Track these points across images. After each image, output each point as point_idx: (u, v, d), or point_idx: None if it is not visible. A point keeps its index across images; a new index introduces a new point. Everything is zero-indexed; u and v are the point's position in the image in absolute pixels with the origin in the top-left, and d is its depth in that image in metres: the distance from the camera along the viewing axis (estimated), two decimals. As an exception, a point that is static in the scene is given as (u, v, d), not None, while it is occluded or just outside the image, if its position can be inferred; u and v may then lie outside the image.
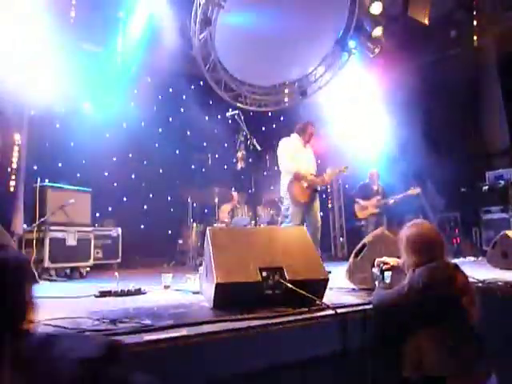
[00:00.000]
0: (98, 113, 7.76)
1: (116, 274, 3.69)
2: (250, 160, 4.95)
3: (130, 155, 8.21)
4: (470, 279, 2.50)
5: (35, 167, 6.60)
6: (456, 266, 2.30)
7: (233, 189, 7.66)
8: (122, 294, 3.28)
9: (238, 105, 7.69)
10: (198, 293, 3.18)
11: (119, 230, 7.24)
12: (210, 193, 7.30)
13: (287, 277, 2.45)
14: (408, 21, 7.02)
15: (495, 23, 7.78)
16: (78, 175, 7.24)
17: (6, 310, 1.08)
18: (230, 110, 5.17)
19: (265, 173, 8.70)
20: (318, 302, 2.37)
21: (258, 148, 4.95)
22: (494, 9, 7.82)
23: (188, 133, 8.82)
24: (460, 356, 2.10)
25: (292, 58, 7.69)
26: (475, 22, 7.89)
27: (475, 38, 7.93)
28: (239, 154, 5.00)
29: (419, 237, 2.35)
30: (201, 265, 4.01)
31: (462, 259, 6.55)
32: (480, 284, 3.08)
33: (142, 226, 8.06)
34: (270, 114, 8.85)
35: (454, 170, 8.91)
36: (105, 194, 7.04)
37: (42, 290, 3.96)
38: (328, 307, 2.32)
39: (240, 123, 4.97)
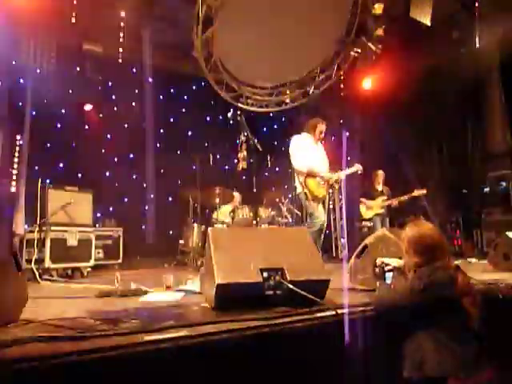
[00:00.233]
0: (100, 113, 7.78)
1: (117, 274, 3.68)
2: (251, 161, 4.93)
3: (131, 155, 8.22)
4: (471, 280, 2.50)
5: (36, 167, 6.62)
6: (457, 267, 2.30)
7: (234, 189, 7.65)
8: (123, 294, 3.28)
9: (240, 105, 7.70)
10: (198, 293, 3.18)
11: (120, 230, 7.25)
12: (211, 193, 7.29)
13: (288, 277, 2.45)
14: (410, 22, 7.01)
15: (497, 24, 7.77)
16: (79, 175, 7.25)
17: None
18: (232, 110, 5.17)
19: (266, 173, 8.70)
20: (318, 302, 2.37)
21: (260, 149, 4.94)
22: (495, 10, 7.80)
23: (189, 133, 8.83)
24: (460, 357, 2.10)
25: (294, 58, 7.68)
26: (477, 24, 7.88)
27: (477, 39, 7.91)
28: (240, 155, 4.99)
29: (421, 238, 2.35)
30: (202, 265, 4.01)
31: (463, 260, 6.53)
32: (481, 285, 3.08)
33: (143, 227, 8.07)
34: (271, 114, 8.85)
35: (455, 172, 8.92)
36: (106, 195, 7.05)
37: (42, 290, 3.97)
38: (329, 308, 2.31)
39: (241, 124, 4.97)
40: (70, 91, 7.37)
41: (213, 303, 2.45)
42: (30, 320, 2.10)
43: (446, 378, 2.07)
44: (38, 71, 6.53)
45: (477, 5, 7.80)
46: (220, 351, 1.86)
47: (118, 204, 7.80)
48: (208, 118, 8.94)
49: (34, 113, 6.68)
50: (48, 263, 4.96)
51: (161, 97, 8.66)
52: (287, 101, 8.59)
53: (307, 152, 5.33)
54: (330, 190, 5.64)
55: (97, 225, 6.85)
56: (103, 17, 6.89)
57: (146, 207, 8.27)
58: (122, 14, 7.00)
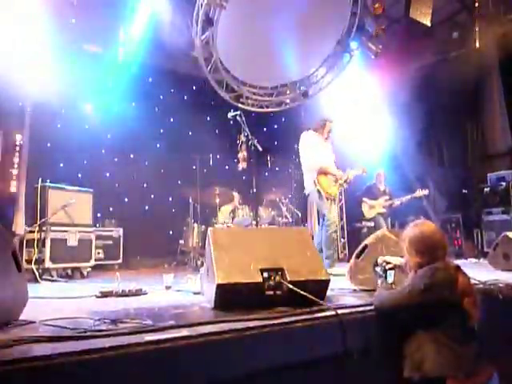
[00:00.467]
0: (100, 113, 7.78)
1: (117, 274, 3.69)
2: (252, 161, 4.94)
3: (132, 156, 8.22)
4: (472, 280, 2.49)
5: (36, 167, 6.61)
6: (458, 268, 2.29)
7: (234, 189, 7.65)
8: (123, 294, 3.28)
9: (240, 105, 7.69)
10: (198, 293, 3.18)
11: (120, 230, 7.25)
12: (212, 193, 7.30)
13: (288, 277, 2.45)
14: (410, 22, 7.02)
15: (497, 25, 7.78)
16: (80, 175, 7.25)
17: None
18: (232, 110, 5.17)
19: (266, 173, 8.70)
20: (319, 302, 2.37)
21: (260, 149, 4.94)
22: (495, 10, 7.81)
23: (189, 133, 8.83)
24: (460, 357, 2.10)
25: (294, 58, 7.68)
26: (477, 24, 7.88)
27: (477, 39, 7.92)
28: (240, 155, 5.00)
29: (422, 237, 2.35)
30: (202, 265, 4.01)
31: (463, 260, 6.54)
32: (481, 285, 3.08)
33: (143, 227, 8.07)
34: (271, 114, 8.85)
35: (455, 172, 8.92)
36: (106, 195, 7.05)
37: (43, 290, 3.97)
38: (329, 308, 2.31)
39: (241, 124, 4.97)
40: (70, 91, 7.36)
41: (213, 303, 2.45)
42: (29, 320, 2.10)
43: (445, 379, 2.07)
44: (39, 71, 6.53)
45: (477, 5, 7.81)
46: (220, 351, 1.86)
47: (118, 204, 7.80)
48: (208, 118, 8.94)
49: (33, 113, 6.67)
50: (48, 263, 4.96)
51: (161, 97, 8.66)
52: (287, 101, 8.59)
53: (318, 149, 5.24)
54: (341, 189, 5.55)
55: (97, 225, 6.85)
56: (103, 16, 6.90)
57: (146, 207, 8.27)
58: (122, 13, 7.02)
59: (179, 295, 3.33)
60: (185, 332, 1.85)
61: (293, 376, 2.08)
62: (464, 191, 8.40)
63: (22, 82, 6.44)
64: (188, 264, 7.02)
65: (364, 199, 7.51)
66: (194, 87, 8.93)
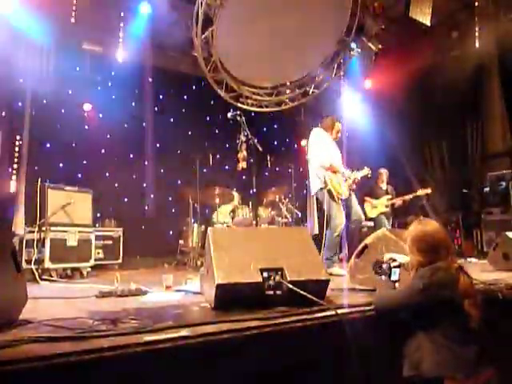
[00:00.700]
0: (100, 113, 7.78)
1: (117, 274, 3.68)
2: (251, 160, 4.93)
3: (131, 155, 8.21)
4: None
5: (36, 167, 6.61)
6: (460, 268, 2.25)
7: (234, 189, 7.65)
8: (123, 294, 3.28)
9: (240, 105, 7.69)
10: (198, 293, 3.18)
11: (120, 230, 7.24)
12: (211, 193, 7.29)
13: (288, 277, 2.45)
14: (409, 22, 7.01)
15: (497, 24, 7.78)
16: (79, 175, 7.25)
17: None
18: (232, 110, 5.16)
19: (266, 173, 8.70)
20: (318, 302, 2.36)
21: (259, 149, 4.93)
22: (495, 10, 7.81)
23: (189, 133, 8.83)
24: (459, 358, 2.08)
25: (293, 58, 7.68)
26: (477, 23, 7.89)
27: (477, 39, 7.92)
28: (240, 155, 4.98)
29: (424, 236, 2.32)
30: (202, 265, 4.01)
31: (463, 260, 6.53)
32: (481, 285, 3.08)
33: (143, 227, 8.06)
34: (271, 114, 8.84)
35: (455, 172, 8.92)
36: (106, 195, 7.04)
37: (42, 290, 3.97)
38: (329, 308, 2.31)
39: (241, 124, 4.96)
40: (70, 91, 7.37)
41: (213, 303, 2.45)
42: (29, 320, 2.10)
43: (443, 380, 2.06)
44: (38, 71, 6.53)
45: (476, 4, 7.81)
46: (220, 351, 1.86)
47: (117, 204, 7.79)
48: (208, 118, 8.94)
49: (33, 113, 6.67)
50: (48, 263, 4.95)
51: (161, 97, 8.66)
52: (287, 100, 8.58)
53: (328, 147, 5.16)
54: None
55: (97, 225, 6.84)
56: (103, 16, 6.90)
57: (146, 207, 8.27)
58: (122, 13, 7.02)
59: (179, 295, 3.33)
60: (184, 332, 1.85)
61: (292, 376, 2.07)
62: (464, 191, 8.40)
63: (22, 81, 6.45)
64: (188, 264, 7.01)
65: (366, 198, 7.46)
66: (194, 87, 8.93)
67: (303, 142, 10.21)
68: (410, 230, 2.42)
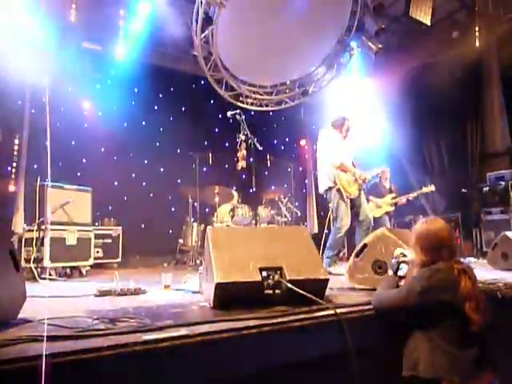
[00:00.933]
0: (99, 112, 7.77)
1: (116, 273, 3.68)
2: (251, 160, 4.93)
3: (131, 154, 8.21)
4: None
5: (35, 166, 6.61)
6: (463, 271, 2.19)
7: (233, 188, 7.65)
8: (122, 293, 3.28)
9: (239, 104, 7.68)
10: (197, 292, 3.18)
11: (119, 229, 7.25)
12: (211, 192, 7.29)
13: (287, 276, 2.44)
14: (410, 21, 7.01)
15: (497, 24, 7.79)
16: (79, 174, 7.24)
17: None
18: (231, 109, 5.17)
19: (265, 172, 8.70)
20: (318, 301, 2.36)
21: (259, 148, 4.94)
22: (495, 10, 7.81)
23: (189, 132, 8.83)
24: (457, 361, 2.05)
25: (293, 57, 7.67)
26: (477, 23, 7.88)
27: (477, 39, 7.92)
28: (240, 154, 4.98)
29: (427, 234, 2.29)
30: (201, 264, 4.01)
31: (462, 260, 6.54)
32: (480, 285, 3.07)
33: (143, 226, 8.06)
34: (270, 113, 8.84)
35: (454, 171, 8.93)
36: (105, 193, 7.04)
37: (41, 289, 3.96)
38: (328, 307, 2.31)
39: (241, 123, 4.96)
40: (70, 90, 7.36)
41: (212, 302, 2.44)
42: (28, 319, 2.10)
43: (440, 381, 2.04)
44: (38, 70, 6.52)
45: (477, 4, 7.81)
46: (219, 351, 1.86)
47: (117, 203, 7.79)
48: (207, 117, 8.94)
49: (33, 111, 6.66)
50: (47, 262, 4.95)
51: (160, 95, 8.65)
52: (287, 100, 8.58)
53: (338, 146, 5.09)
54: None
55: (96, 224, 6.84)
56: (103, 15, 6.90)
57: (145, 206, 8.26)
58: (122, 12, 7.01)
59: (178, 294, 3.33)
60: (183, 331, 1.84)
61: (292, 375, 2.07)
62: (463, 191, 8.39)
63: (22, 80, 6.44)
64: (187, 263, 7.02)
65: (371, 198, 7.28)
66: (194, 86, 8.92)
67: (303, 142, 10.22)
68: (415, 228, 2.38)
